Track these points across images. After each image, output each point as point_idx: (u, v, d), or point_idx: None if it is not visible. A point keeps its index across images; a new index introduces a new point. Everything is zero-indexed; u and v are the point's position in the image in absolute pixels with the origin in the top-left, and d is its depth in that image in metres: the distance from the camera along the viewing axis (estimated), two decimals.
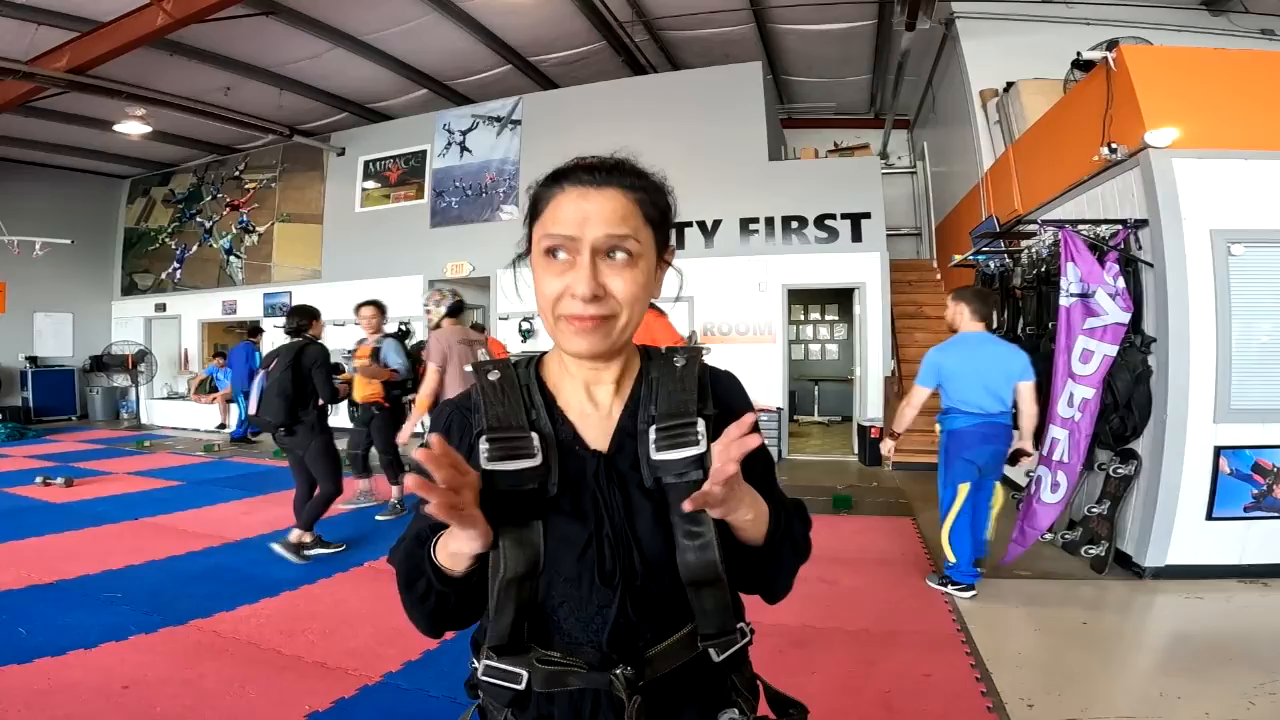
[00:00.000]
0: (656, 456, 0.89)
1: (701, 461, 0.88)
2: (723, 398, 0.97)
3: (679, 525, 0.86)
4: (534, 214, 0.93)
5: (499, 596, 0.85)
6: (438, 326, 5.02)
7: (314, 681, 2.87)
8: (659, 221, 0.93)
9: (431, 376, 4.80)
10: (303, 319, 4.76)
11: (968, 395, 3.86)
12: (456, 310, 5.11)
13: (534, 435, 0.89)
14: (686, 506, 0.79)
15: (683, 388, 0.93)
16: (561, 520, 0.88)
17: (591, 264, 0.86)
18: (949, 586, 3.93)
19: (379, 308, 5.83)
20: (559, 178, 0.91)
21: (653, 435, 0.90)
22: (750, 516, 0.87)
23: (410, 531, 0.95)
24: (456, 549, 0.83)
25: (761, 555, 0.91)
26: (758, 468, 0.91)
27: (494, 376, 0.94)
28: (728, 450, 0.77)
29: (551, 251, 0.88)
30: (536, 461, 0.88)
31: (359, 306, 5.83)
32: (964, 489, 3.87)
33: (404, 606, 0.92)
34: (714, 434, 0.86)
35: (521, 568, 0.84)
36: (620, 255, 0.87)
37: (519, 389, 0.94)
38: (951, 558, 3.92)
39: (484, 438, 0.88)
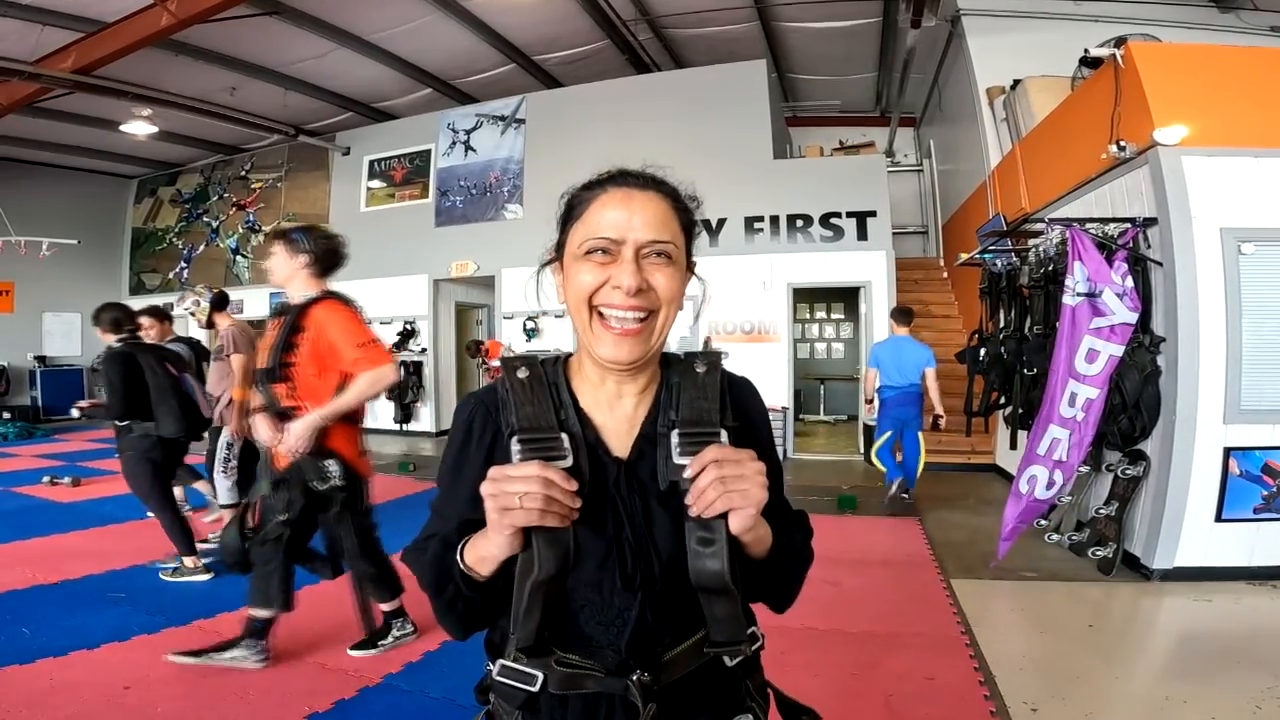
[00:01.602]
0: (679, 461, 0.88)
1: None
2: (741, 407, 0.98)
3: (692, 532, 0.85)
4: (570, 217, 0.95)
5: (529, 598, 0.84)
6: (211, 324, 4.82)
7: (314, 682, 2.87)
8: (689, 232, 0.97)
9: (239, 364, 4.46)
10: (131, 318, 4.24)
11: (890, 376, 5.93)
12: (222, 302, 4.90)
13: (564, 436, 0.89)
14: (690, 508, 0.83)
15: (705, 395, 0.94)
16: (584, 526, 0.87)
17: (635, 261, 0.88)
18: (891, 489, 6.01)
19: (158, 315, 5.05)
20: (601, 181, 0.94)
21: (675, 440, 0.89)
22: (761, 533, 0.88)
23: (427, 531, 0.98)
24: (486, 553, 0.84)
25: (766, 569, 0.92)
26: (770, 478, 0.91)
27: (523, 374, 0.94)
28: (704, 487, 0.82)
29: (592, 251, 0.89)
30: (569, 463, 0.87)
31: (136, 315, 4.92)
32: (886, 434, 6.02)
33: (434, 610, 0.93)
34: (734, 444, 0.89)
35: (553, 568, 0.83)
36: (661, 257, 0.90)
37: (548, 388, 0.94)
38: (881, 469, 6.16)
39: (515, 438, 0.88)
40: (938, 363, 5.93)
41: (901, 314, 6.21)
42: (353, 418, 2.92)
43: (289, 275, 2.90)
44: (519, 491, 0.78)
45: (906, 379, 5.88)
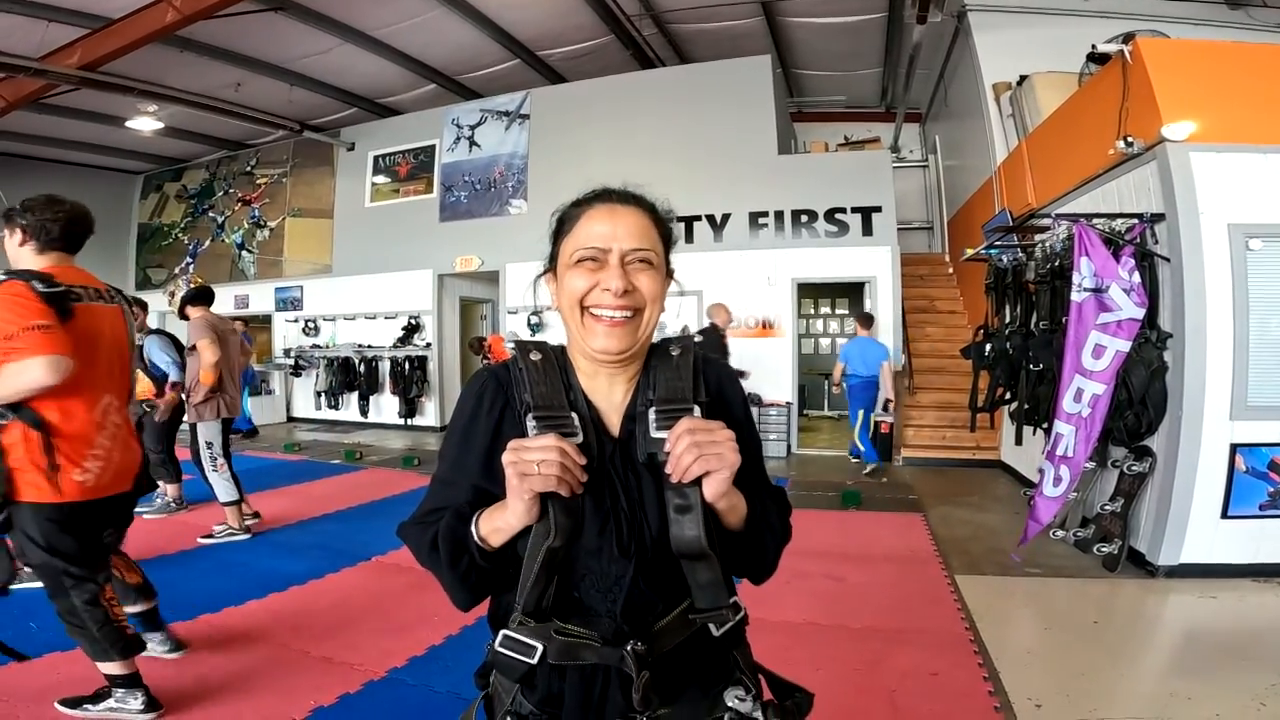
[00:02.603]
0: (655, 435, 0.96)
1: None
2: (713, 384, 1.08)
3: (670, 500, 0.93)
4: (561, 232, 1.04)
5: (540, 563, 0.90)
6: (183, 315, 4.85)
7: (319, 676, 2.88)
8: (667, 242, 1.06)
9: (208, 349, 4.59)
10: None
11: (855, 368, 7.39)
12: (199, 297, 4.93)
13: (574, 415, 0.98)
14: (670, 472, 0.91)
15: (679, 375, 1.03)
16: (586, 498, 0.94)
17: (620, 266, 0.97)
18: (867, 465, 7.46)
19: (138, 305, 5.07)
20: (587, 199, 1.04)
21: (652, 416, 0.97)
22: (734, 501, 0.96)
23: (429, 505, 1.04)
24: (503, 524, 0.91)
25: (741, 539, 0.99)
26: (746, 452, 0.99)
27: (536, 357, 1.02)
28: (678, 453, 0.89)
29: (582, 260, 0.99)
30: (580, 439, 0.95)
31: None
32: (861, 414, 7.45)
33: (444, 582, 0.98)
34: (706, 417, 0.97)
35: (566, 535, 0.91)
36: (643, 262, 0.99)
37: (558, 371, 1.02)
38: (861, 448, 7.53)
39: (530, 415, 0.96)
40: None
41: (864, 318, 7.89)
42: (40, 423, 2.33)
43: (14, 257, 2.53)
44: (537, 459, 0.86)
45: (869, 370, 7.38)
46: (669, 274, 1.07)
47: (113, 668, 2.51)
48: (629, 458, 1.00)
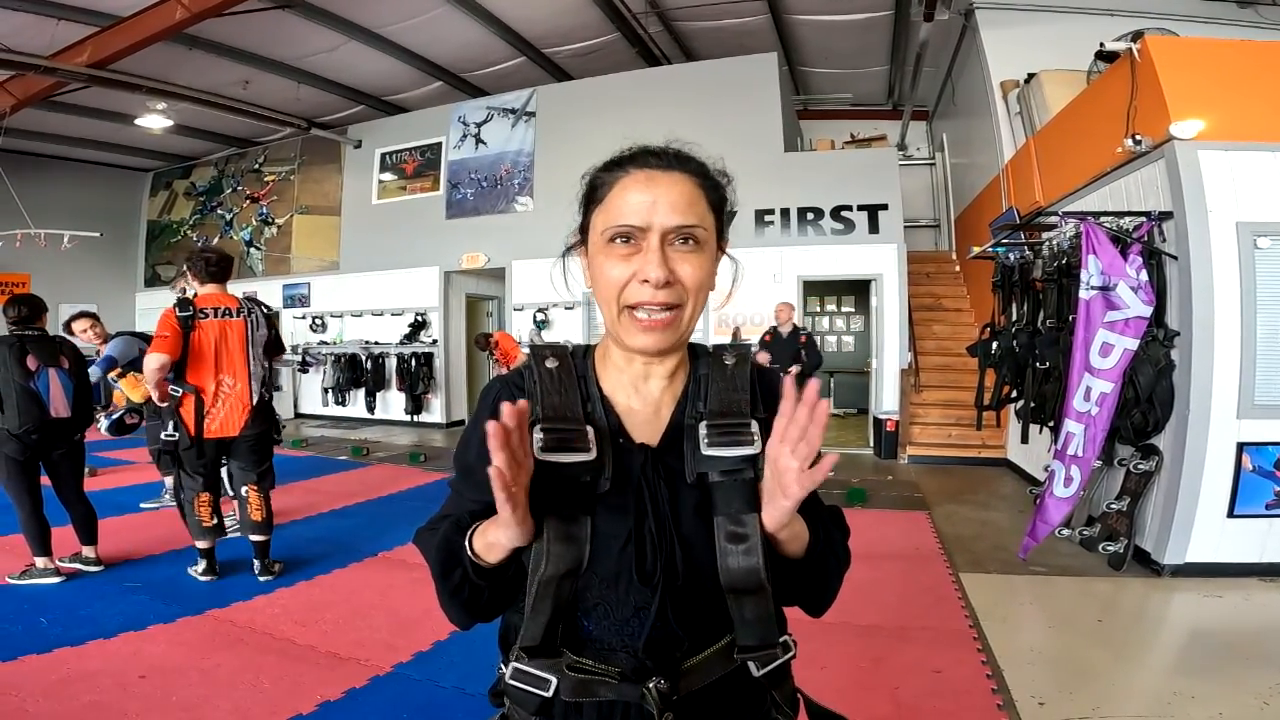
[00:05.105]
0: (707, 452, 0.86)
1: (755, 462, 0.86)
2: (770, 399, 0.94)
3: (721, 527, 0.83)
4: (592, 200, 0.92)
5: (537, 594, 0.81)
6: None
7: (326, 671, 2.90)
8: (719, 210, 0.92)
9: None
10: (35, 310, 4.13)
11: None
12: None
13: (589, 429, 0.87)
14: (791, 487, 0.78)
15: (734, 386, 0.91)
16: (604, 516, 0.84)
17: (661, 249, 0.84)
18: None
19: (92, 317, 5.37)
20: (622, 162, 0.90)
21: (704, 431, 0.87)
22: (797, 529, 0.85)
23: (442, 512, 0.96)
24: (494, 539, 0.81)
25: (803, 569, 0.88)
26: None
27: (552, 364, 0.91)
28: (789, 450, 0.76)
29: (616, 239, 0.86)
30: (591, 456, 0.84)
31: (69, 322, 5.35)
32: None
33: (438, 595, 0.89)
34: (763, 436, 0.86)
35: (565, 565, 0.81)
36: (688, 242, 0.86)
37: (576, 379, 0.91)
38: None
39: (538, 427, 0.85)
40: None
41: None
42: (198, 392, 3.88)
43: (191, 286, 4.09)
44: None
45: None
46: (720, 247, 0.93)
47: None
48: (663, 468, 0.88)
